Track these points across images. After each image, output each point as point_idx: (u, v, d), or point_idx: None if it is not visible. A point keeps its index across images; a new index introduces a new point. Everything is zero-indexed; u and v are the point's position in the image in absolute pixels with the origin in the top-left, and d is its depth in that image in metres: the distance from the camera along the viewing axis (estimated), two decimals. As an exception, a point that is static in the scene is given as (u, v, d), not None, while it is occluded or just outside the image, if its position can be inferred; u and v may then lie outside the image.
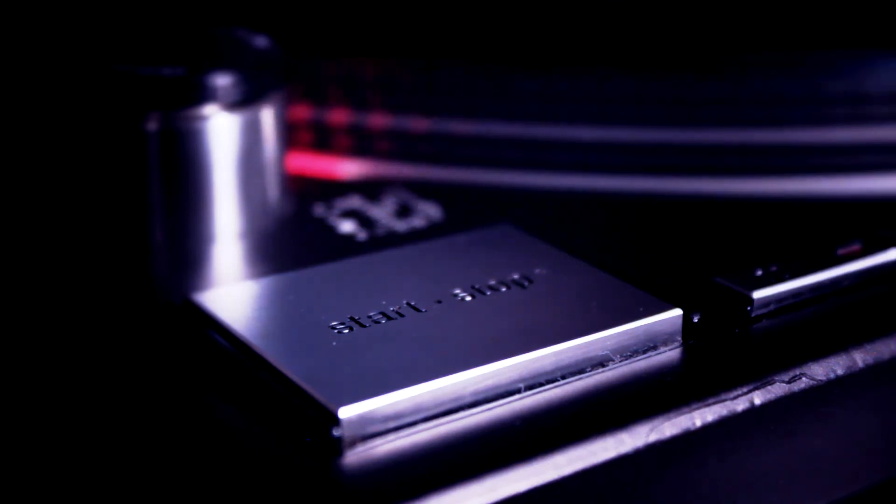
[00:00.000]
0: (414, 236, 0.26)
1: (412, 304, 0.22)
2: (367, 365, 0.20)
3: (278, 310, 0.23)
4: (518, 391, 0.21)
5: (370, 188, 0.29)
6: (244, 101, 0.26)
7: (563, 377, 0.21)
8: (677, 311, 0.22)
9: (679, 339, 0.22)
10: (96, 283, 0.24)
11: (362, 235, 0.26)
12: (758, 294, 0.23)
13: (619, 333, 0.21)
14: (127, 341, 0.22)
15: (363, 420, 0.19)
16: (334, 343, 0.21)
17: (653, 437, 0.20)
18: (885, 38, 0.29)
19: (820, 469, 0.23)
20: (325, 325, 0.22)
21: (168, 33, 0.27)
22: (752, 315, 0.23)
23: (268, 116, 0.26)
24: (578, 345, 0.21)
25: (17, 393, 0.21)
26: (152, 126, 0.25)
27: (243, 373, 0.21)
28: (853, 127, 0.28)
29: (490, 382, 0.20)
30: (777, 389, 0.21)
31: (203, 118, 0.25)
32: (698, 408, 0.21)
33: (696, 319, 0.22)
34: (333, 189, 0.29)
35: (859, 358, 0.22)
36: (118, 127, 0.25)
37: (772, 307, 0.23)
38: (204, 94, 0.25)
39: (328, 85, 0.30)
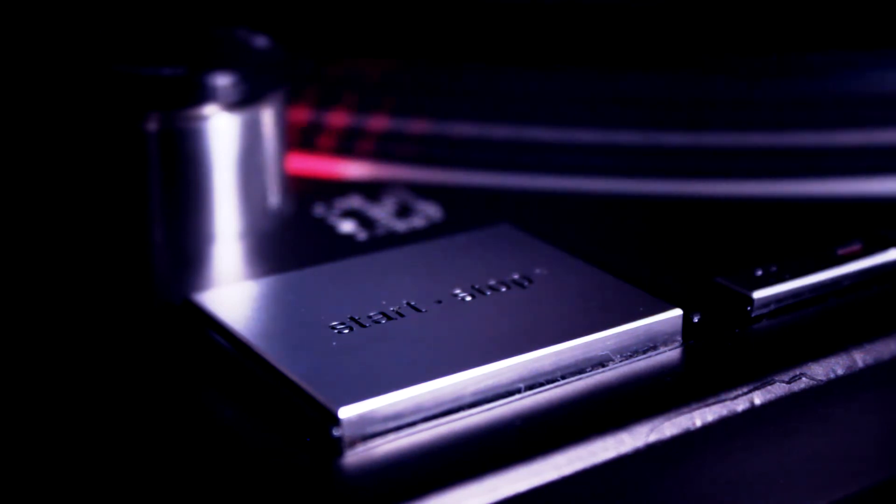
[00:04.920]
0: (414, 236, 0.26)
1: (412, 304, 0.22)
2: (367, 365, 0.20)
3: (278, 310, 0.23)
4: (518, 391, 0.21)
5: (370, 188, 0.29)
6: (244, 101, 0.26)
7: (563, 377, 0.21)
8: (677, 311, 0.22)
9: (679, 339, 0.22)
10: (96, 283, 0.24)
11: (362, 235, 0.26)
12: (758, 294, 0.23)
13: (619, 333, 0.21)
14: (127, 341, 0.22)
15: (363, 420, 0.19)
16: (334, 343, 0.21)
17: (653, 437, 0.20)
18: (886, 39, 0.29)
19: (820, 469, 0.23)
20: (325, 325, 0.22)
21: (168, 33, 0.27)
22: (752, 315, 0.23)
23: (268, 116, 0.26)
24: (578, 345, 0.21)
25: (17, 393, 0.21)
26: (152, 126, 0.25)
27: (243, 373, 0.21)
28: (853, 129, 0.28)
29: (490, 382, 0.20)
30: (777, 389, 0.21)
31: (203, 118, 0.25)
32: (698, 408, 0.21)
33: (696, 319, 0.22)
34: (333, 189, 0.29)
35: (859, 358, 0.22)
36: (118, 127, 0.25)
37: (772, 307, 0.23)
38: (204, 94, 0.25)
39: (328, 85, 0.30)
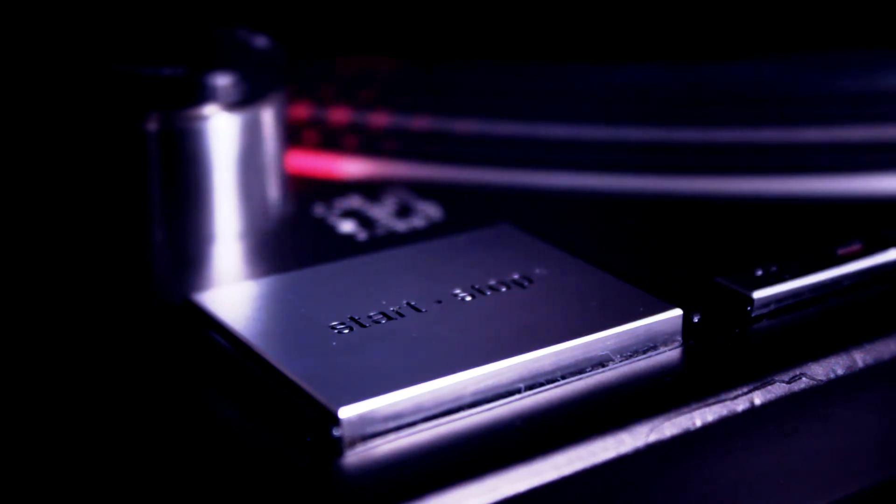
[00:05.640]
0: (414, 236, 0.26)
1: (412, 304, 0.22)
2: (367, 365, 0.20)
3: (278, 310, 0.23)
4: (518, 391, 0.21)
5: (370, 188, 0.29)
6: (244, 101, 0.26)
7: (563, 377, 0.21)
8: (677, 311, 0.22)
9: (679, 339, 0.22)
10: (96, 283, 0.24)
11: (362, 235, 0.26)
12: (758, 294, 0.23)
13: (619, 333, 0.21)
14: (126, 341, 0.22)
15: (363, 420, 0.19)
16: (334, 343, 0.21)
17: (653, 437, 0.20)
18: (887, 37, 0.29)
19: (820, 469, 0.23)
20: (325, 325, 0.22)
21: (168, 33, 0.27)
22: (752, 315, 0.23)
23: (268, 116, 0.26)
24: (578, 345, 0.21)
25: (16, 393, 0.21)
26: (152, 126, 0.25)
27: (243, 373, 0.21)
28: (853, 126, 0.28)
29: (490, 382, 0.20)
30: (777, 389, 0.21)
31: (203, 118, 0.25)
32: (698, 408, 0.21)
33: (696, 319, 0.22)
34: (333, 189, 0.28)
35: (859, 358, 0.22)
36: (118, 127, 0.25)
37: (772, 307, 0.23)
38: (204, 94, 0.25)
39: (328, 84, 0.30)
